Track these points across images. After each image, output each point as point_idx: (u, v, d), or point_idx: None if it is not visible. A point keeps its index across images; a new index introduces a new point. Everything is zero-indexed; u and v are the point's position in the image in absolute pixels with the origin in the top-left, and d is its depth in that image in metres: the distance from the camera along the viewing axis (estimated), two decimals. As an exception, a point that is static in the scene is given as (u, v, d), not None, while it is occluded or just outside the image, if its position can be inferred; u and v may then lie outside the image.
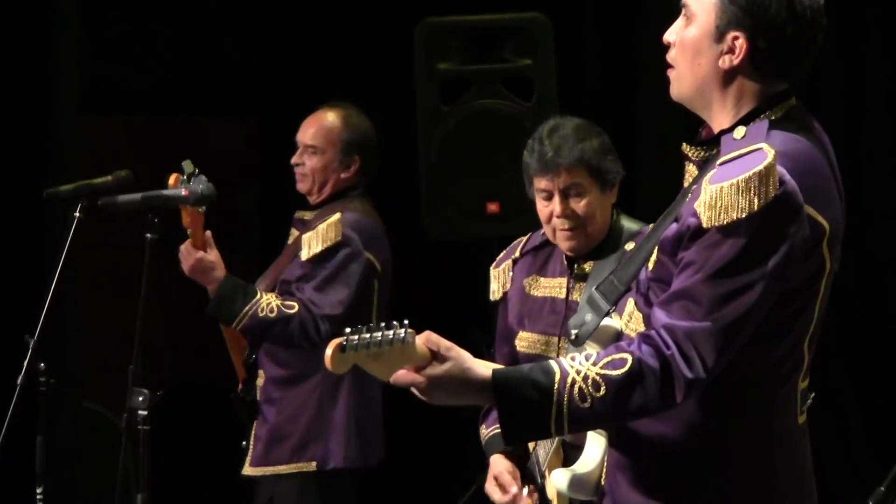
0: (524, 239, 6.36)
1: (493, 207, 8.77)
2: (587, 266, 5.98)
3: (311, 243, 7.44)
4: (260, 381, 7.62)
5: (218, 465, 11.09)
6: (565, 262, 6.06)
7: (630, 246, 5.76)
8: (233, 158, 7.20)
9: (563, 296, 6.05)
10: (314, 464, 7.51)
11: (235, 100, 12.73)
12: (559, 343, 5.98)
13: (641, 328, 4.29)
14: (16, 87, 8.89)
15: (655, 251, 4.29)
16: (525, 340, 6.13)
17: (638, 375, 4.02)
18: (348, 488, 7.70)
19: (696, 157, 4.35)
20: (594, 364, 4.05)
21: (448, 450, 8.09)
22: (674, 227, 4.22)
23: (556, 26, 8.96)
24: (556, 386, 4.03)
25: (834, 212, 4.20)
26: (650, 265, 4.31)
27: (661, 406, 4.05)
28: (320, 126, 7.64)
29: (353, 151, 7.64)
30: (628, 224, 6.05)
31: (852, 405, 10.38)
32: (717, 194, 4.03)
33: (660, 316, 4.11)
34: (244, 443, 7.68)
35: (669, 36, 4.34)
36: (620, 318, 4.50)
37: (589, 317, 4.45)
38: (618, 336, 4.46)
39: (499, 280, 6.34)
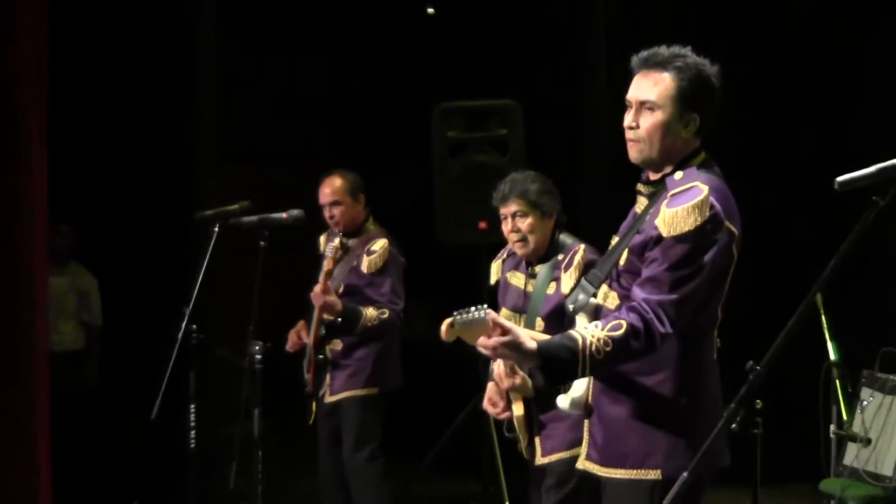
0: (508, 246, 6.33)
1: (483, 225, 8.75)
2: (537, 268, 6.04)
3: (373, 262, 7.53)
4: (337, 346, 7.63)
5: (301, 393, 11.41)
6: (525, 265, 6.12)
7: (560, 256, 5.96)
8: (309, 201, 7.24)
9: (523, 286, 6.09)
10: (377, 389, 7.65)
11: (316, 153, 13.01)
12: (520, 317, 6.00)
13: (616, 303, 4.41)
14: (172, 141, 8.97)
15: (626, 252, 4.40)
16: (504, 314, 6.06)
17: (631, 334, 4.17)
18: (386, 404, 7.80)
19: (647, 191, 4.48)
20: (602, 330, 4.19)
21: (452, 379, 8.16)
22: (639, 237, 4.36)
23: (524, 108, 9.02)
24: (580, 347, 4.18)
25: (737, 223, 4.38)
26: (622, 262, 4.42)
27: (646, 352, 4.23)
28: (333, 187, 7.63)
29: (357, 193, 7.69)
30: (566, 240, 6.04)
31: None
32: (672, 215, 4.24)
33: (637, 293, 4.25)
34: (307, 384, 7.72)
35: (634, 122, 4.46)
36: (596, 297, 4.53)
37: (581, 296, 4.49)
38: (597, 309, 4.50)
39: (494, 272, 6.35)
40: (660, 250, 4.29)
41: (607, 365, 4.27)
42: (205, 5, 8.89)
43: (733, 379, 3.96)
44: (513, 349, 4.26)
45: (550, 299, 5.93)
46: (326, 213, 7.67)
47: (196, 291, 6.67)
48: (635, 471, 4.41)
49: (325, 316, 7.50)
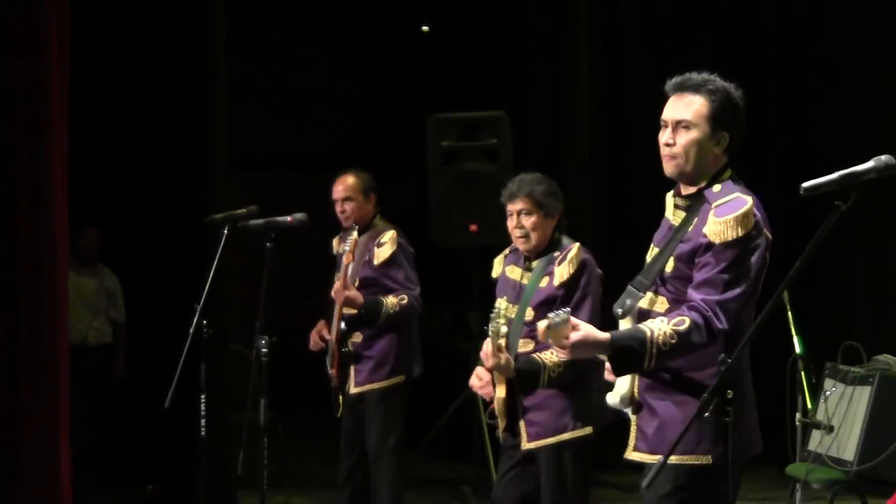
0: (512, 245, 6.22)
1: (474, 228, 8.81)
2: (534, 263, 5.98)
3: (383, 253, 7.34)
4: (357, 339, 7.38)
5: (309, 385, 11.38)
6: (523, 260, 6.06)
7: (556, 254, 5.92)
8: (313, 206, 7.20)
9: (518, 279, 6.03)
10: (403, 377, 7.43)
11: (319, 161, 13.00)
12: (513, 307, 5.94)
13: (665, 306, 4.46)
14: (189, 149, 8.93)
15: (672, 260, 4.46)
16: (501, 302, 5.97)
17: (693, 328, 4.25)
18: (409, 392, 7.57)
19: (685, 204, 4.54)
20: (667, 324, 4.27)
21: (445, 370, 8.10)
22: (685, 245, 4.44)
23: (512, 119, 9.05)
24: (649, 339, 4.25)
25: (769, 230, 4.47)
26: (668, 269, 4.47)
27: (706, 346, 4.30)
28: (345, 185, 7.48)
29: (369, 191, 7.52)
30: (564, 240, 6.00)
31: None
32: (722, 224, 4.33)
33: (695, 295, 4.33)
34: (331, 376, 7.47)
35: (672, 139, 4.48)
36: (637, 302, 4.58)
37: (628, 301, 4.52)
38: (643, 312, 4.53)
39: (497, 266, 6.24)
40: (712, 255, 4.37)
41: (671, 356, 4.32)
42: (217, 23, 8.84)
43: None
44: (589, 342, 4.36)
45: (542, 291, 5.90)
46: (338, 209, 7.52)
47: (207, 289, 6.63)
48: (686, 456, 4.42)
49: (346, 311, 7.32)
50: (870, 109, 9.90)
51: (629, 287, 4.56)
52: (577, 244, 5.95)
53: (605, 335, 4.35)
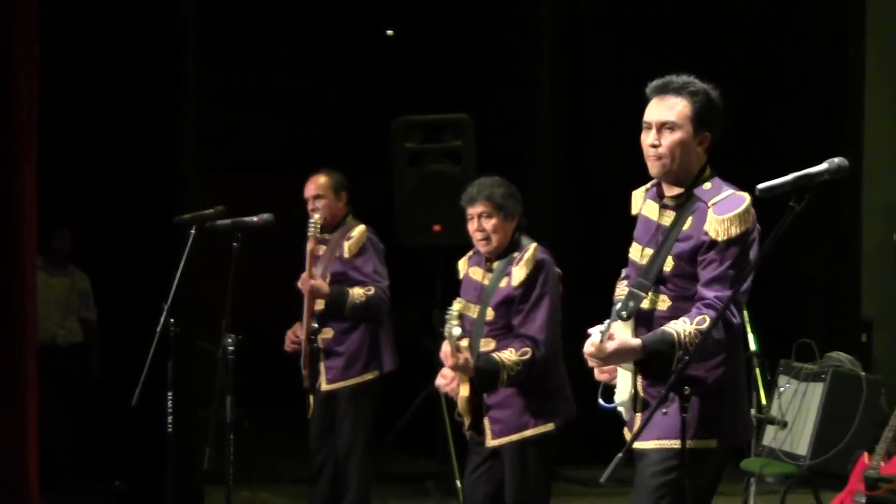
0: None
1: (437, 228, 8.84)
2: (495, 264, 6.00)
3: (351, 246, 7.31)
4: (328, 335, 7.35)
5: (275, 382, 11.33)
6: (484, 261, 6.06)
7: (516, 254, 5.94)
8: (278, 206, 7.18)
9: (480, 280, 6.04)
10: (377, 373, 7.40)
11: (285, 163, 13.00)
12: (473, 307, 5.98)
13: (667, 304, 4.53)
14: (158, 151, 8.88)
15: (670, 259, 4.50)
16: (456, 303, 5.94)
17: (714, 326, 4.30)
18: (381, 388, 7.55)
19: (674, 204, 4.57)
20: (690, 325, 4.36)
21: (409, 367, 8.09)
22: (685, 244, 4.49)
23: (475, 121, 9.07)
24: (677, 340, 4.34)
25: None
26: (668, 268, 4.51)
27: (724, 341, 4.39)
28: (317, 183, 7.46)
29: (340, 190, 7.51)
30: (524, 241, 6.01)
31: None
32: (724, 221, 4.41)
33: (707, 293, 4.41)
34: (304, 374, 7.43)
35: (657, 141, 4.50)
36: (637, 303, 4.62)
37: (632, 303, 4.55)
38: (644, 312, 4.58)
39: (461, 268, 6.25)
40: (716, 253, 4.43)
41: (697, 355, 4.33)
42: (187, 24, 8.81)
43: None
44: (624, 350, 4.46)
45: (501, 291, 5.93)
46: (309, 207, 7.47)
47: (174, 288, 6.64)
48: (695, 441, 4.48)
49: (316, 307, 7.31)
50: (832, 111, 9.95)
51: (630, 289, 4.60)
52: (535, 244, 5.98)
53: (636, 342, 4.44)
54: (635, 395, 4.66)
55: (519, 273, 5.89)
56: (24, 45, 7.36)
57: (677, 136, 4.49)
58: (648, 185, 4.76)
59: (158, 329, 6.60)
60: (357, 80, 11.97)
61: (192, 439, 8.26)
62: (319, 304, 7.31)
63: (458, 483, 8.16)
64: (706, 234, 4.44)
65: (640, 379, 4.61)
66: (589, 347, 4.50)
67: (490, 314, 5.91)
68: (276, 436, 11.26)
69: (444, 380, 5.91)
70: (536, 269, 5.90)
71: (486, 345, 5.90)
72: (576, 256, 10.44)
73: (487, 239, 5.99)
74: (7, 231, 7.32)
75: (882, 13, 9.97)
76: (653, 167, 4.57)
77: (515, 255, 5.97)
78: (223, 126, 12.22)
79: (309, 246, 7.17)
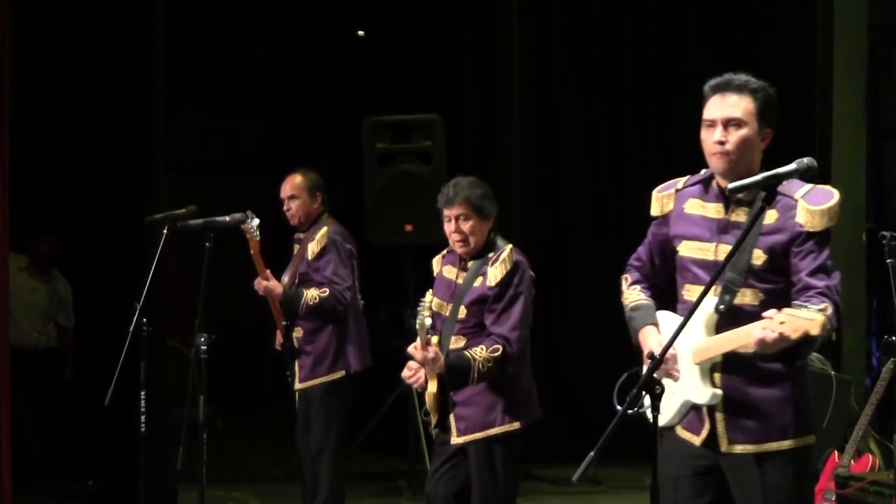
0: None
1: (408, 228, 8.85)
2: (470, 264, 5.97)
3: (313, 248, 7.33)
4: (298, 334, 7.42)
5: (247, 381, 11.32)
6: (459, 261, 6.05)
7: (491, 255, 5.90)
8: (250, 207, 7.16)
9: (454, 278, 6.01)
10: (343, 372, 7.43)
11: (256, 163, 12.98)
12: (447, 306, 5.98)
13: (760, 297, 4.43)
14: (128, 152, 8.83)
15: (759, 253, 4.43)
16: (434, 303, 5.95)
17: (833, 310, 4.30)
18: (353, 387, 7.58)
19: (748, 199, 4.49)
20: (815, 311, 4.24)
21: (380, 366, 8.08)
22: (775, 237, 4.43)
23: (445, 122, 9.11)
24: (821, 329, 4.20)
25: None
26: (757, 262, 4.43)
27: (837, 322, 4.38)
28: (292, 183, 7.51)
29: (315, 191, 7.54)
30: (499, 242, 5.99)
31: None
32: (820, 212, 4.40)
33: (815, 282, 4.37)
34: (288, 373, 7.49)
35: (723, 137, 4.46)
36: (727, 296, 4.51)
37: (727, 297, 4.45)
38: (733, 309, 4.46)
39: (435, 267, 6.23)
40: (814, 243, 4.43)
41: (818, 341, 4.29)
42: (156, 24, 8.77)
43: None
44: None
45: (475, 291, 5.91)
46: (284, 207, 7.53)
47: (146, 288, 6.60)
48: (795, 440, 4.51)
49: (277, 306, 7.35)
50: (800, 110, 9.97)
51: (725, 284, 4.48)
52: (510, 246, 5.97)
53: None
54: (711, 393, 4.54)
55: (495, 273, 5.87)
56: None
57: (743, 132, 4.48)
58: (679, 185, 4.74)
59: (131, 329, 6.57)
60: (328, 81, 11.96)
61: (165, 439, 8.24)
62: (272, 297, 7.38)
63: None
64: (800, 225, 4.44)
65: (720, 376, 4.53)
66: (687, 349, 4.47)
67: (462, 312, 5.89)
68: (248, 435, 11.26)
69: (410, 371, 5.91)
70: (513, 269, 5.89)
71: (457, 342, 5.89)
72: (543, 255, 10.46)
73: (465, 240, 5.96)
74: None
75: (850, 13, 9.99)
76: (718, 163, 4.54)
77: (491, 255, 5.94)
78: (193, 126, 12.18)
79: (252, 248, 7.14)
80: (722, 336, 4.45)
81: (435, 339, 5.80)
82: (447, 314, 5.98)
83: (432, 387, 5.86)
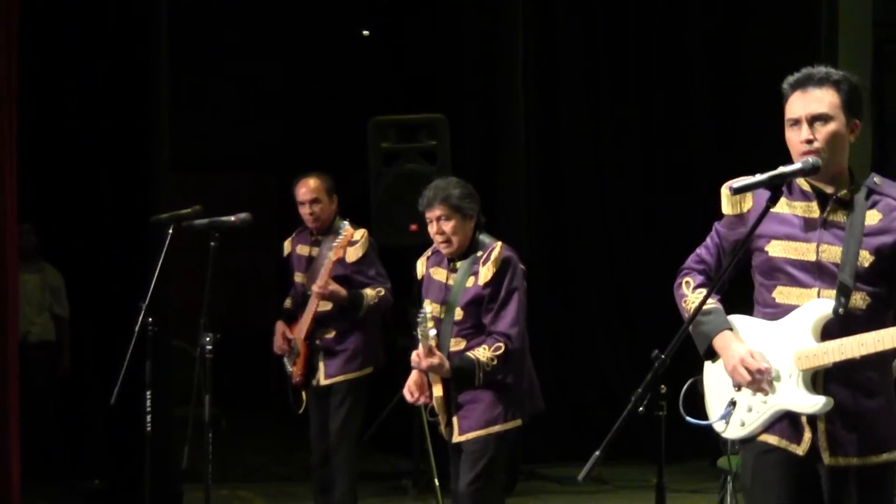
0: (434, 245, 6.24)
1: (413, 227, 8.76)
2: (458, 264, 6.00)
3: (355, 251, 7.33)
4: (330, 334, 7.43)
5: (253, 381, 11.32)
6: (446, 262, 6.09)
7: (479, 253, 5.93)
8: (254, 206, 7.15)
9: (444, 280, 6.06)
10: (372, 368, 7.54)
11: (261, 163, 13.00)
12: (441, 308, 6.00)
13: (867, 301, 4.19)
14: (132, 150, 8.85)
15: (867, 254, 4.19)
16: (428, 304, 6.05)
17: None
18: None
19: (847, 197, 4.24)
20: None
21: (386, 366, 8.07)
22: (882, 238, 4.20)
23: (450, 121, 9.07)
24: None
25: None
26: (865, 264, 4.18)
27: None
28: (313, 186, 7.47)
29: (332, 192, 7.56)
30: (484, 239, 6.01)
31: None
32: None
33: None
34: (291, 370, 7.52)
35: (811, 135, 4.19)
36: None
37: (843, 299, 4.13)
38: (849, 312, 4.18)
39: (420, 268, 6.31)
40: None
41: None
42: (160, 22, 8.77)
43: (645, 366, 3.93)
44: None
45: (469, 291, 5.95)
46: (306, 210, 7.52)
47: (152, 288, 6.63)
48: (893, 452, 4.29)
49: (320, 308, 7.35)
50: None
51: (840, 285, 4.21)
52: (500, 243, 6.00)
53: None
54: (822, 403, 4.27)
55: (486, 272, 5.91)
56: (3, 49, 7.34)
57: (831, 127, 4.22)
58: (752, 182, 4.18)
59: (136, 328, 6.58)
60: (333, 80, 11.96)
61: (170, 438, 8.23)
62: (323, 306, 7.37)
63: (436, 482, 8.19)
64: None
65: (826, 384, 4.26)
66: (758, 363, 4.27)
67: (459, 314, 5.93)
68: (254, 435, 11.27)
69: (412, 396, 6.05)
70: (504, 267, 5.92)
71: (457, 344, 5.92)
72: (548, 254, 10.47)
73: (448, 241, 6.01)
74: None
75: (854, 12, 9.99)
76: None
77: (479, 253, 5.98)
78: (198, 126, 12.19)
79: (334, 256, 7.17)
80: (836, 342, 4.16)
81: (433, 342, 5.81)
82: (441, 316, 6.01)
83: (438, 391, 5.93)
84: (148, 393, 6.77)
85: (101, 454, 9.14)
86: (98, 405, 8.78)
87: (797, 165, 4.12)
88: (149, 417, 6.79)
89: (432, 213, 6.01)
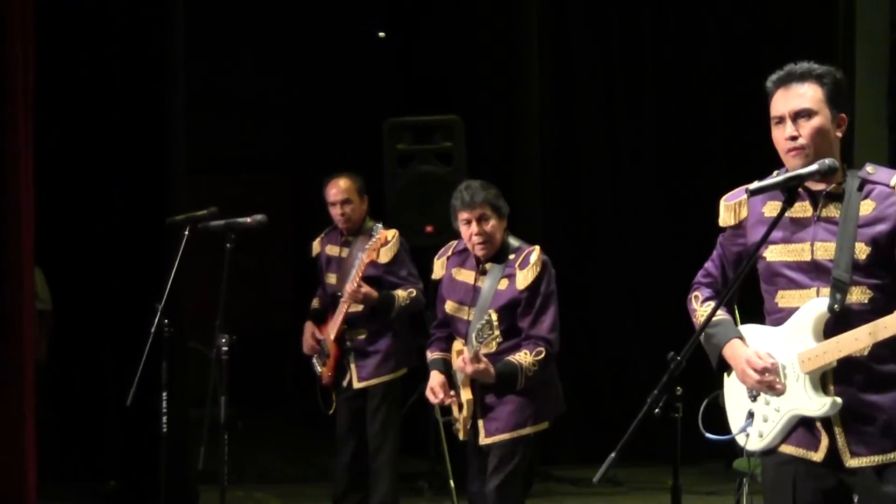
0: (453, 244, 6.35)
1: (429, 229, 8.80)
2: (488, 266, 6.03)
3: (387, 252, 7.28)
4: (362, 335, 7.46)
5: (268, 382, 11.32)
6: (475, 262, 6.10)
7: (512, 256, 5.97)
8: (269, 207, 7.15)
9: (472, 282, 6.07)
10: (406, 369, 7.57)
11: (276, 165, 13.00)
12: (468, 310, 6.03)
13: (868, 294, 4.11)
14: (148, 153, 8.87)
15: (863, 246, 4.12)
16: (449, 306, 6.15)
17: None
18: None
19: (839, 191, 4.18)
20: None
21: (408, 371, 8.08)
22: (877, 227, 4.12)
23: (466, 122, 9.06)
24: None
25: None
26: (861, 256, 4.10)
27: None
28: (345, 187, 7.52)
29: (363, 193, 7.60)
30: (513, 242, 6.06)
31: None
32: None
33: None
34: (320, 371, 7.60)
35: (795, 132, 4.15)
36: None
37: (839, 296, 4.07)
38: (846, 307, 4.11)
39: (439, 268, 6.34)
40: None
41: None
42: (176, 25, 8.79)
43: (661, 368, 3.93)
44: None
45: (503, 294, 5.96)
46: (338, 211, 7.55)
47: (168, 289, 6.63)
48: None
49: (351, 309, 7.37)
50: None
51: (834, 283, 4.14)
52: (538, 247, 6.05)
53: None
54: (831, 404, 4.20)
55: (526, 275, 5.93)
56: (21, 46, 7.36)
57: (816, 122, 4.18)
58: (768, 184, 4.18)
59: (152, 330, 6.60)
60: (349, 82, 11.96)
61: (186, 439, 8.28)
62: (354, 307, 7.38)
63: (451, 483, 8.19)
64: None
65: (833, 384, 4.19)
66: (761, 362, 4.23)
67: (493, 317, 5.86)
68: (269, 435, 11.27)
69: (436, 398, 6.10)
70: (542, 272, 5.93)
71: (487, 347, 5.90)
72: (563, 255, 10.44)
73: (488, 241, 6.00)
74: (7, 231, 7.32)
75: (871, 13, 9.97)
76: (795, 161, 4.19)
77: (511, 256, 5.99)
78: (213, 128, 12.20)
79: (366, 258, 7.16)
80: (833, 340, 4.11)
81: (459, 345, 5.82)
82: (468, 318, 6.02)
83: (467, 394, 5.97)
84: (164, 394, 6.80)
85: (117, 455, 9.14)
86: (114, 406, 8.84)
87: (814, 167, 4.08)
88: (164, 418, 6.80)
89: (473, 214, 6.00)
